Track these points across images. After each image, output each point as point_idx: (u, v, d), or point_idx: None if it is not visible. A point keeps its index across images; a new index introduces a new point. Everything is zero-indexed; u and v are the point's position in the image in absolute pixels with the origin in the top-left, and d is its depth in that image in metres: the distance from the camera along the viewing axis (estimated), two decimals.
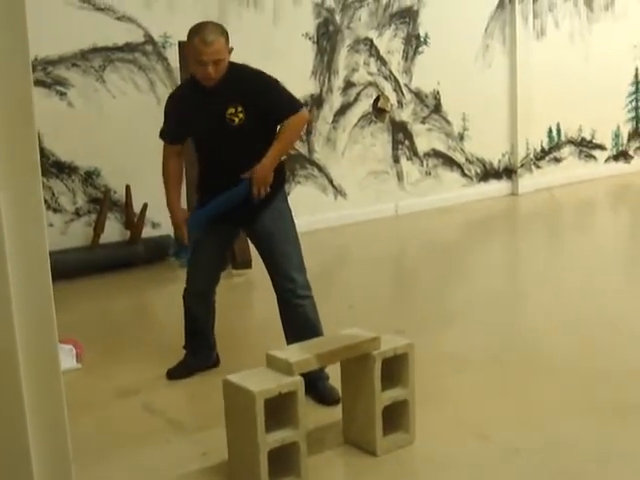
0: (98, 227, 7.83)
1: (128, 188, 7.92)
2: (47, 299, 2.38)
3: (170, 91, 8.00)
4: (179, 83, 7.82)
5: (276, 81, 4.74)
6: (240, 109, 4.57)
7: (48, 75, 7.64)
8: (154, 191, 8.09)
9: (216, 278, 5.10)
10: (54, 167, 7.75)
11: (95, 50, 7.87)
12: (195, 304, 5.07)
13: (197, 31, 4.53)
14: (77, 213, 7.92)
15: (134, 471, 4.03)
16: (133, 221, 7.96)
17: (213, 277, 5.08)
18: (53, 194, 7.77)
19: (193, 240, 4.92)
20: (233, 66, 4.66)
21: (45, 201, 7.69)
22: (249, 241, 5.33)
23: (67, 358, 5.33)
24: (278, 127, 4.71)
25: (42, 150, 7.63)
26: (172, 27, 8.13)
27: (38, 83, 7.54)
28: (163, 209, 8.06)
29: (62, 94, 7.74)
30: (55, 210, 7.80)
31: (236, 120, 4.59)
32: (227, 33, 4.60)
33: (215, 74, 4.54)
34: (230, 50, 4.61)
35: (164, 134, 4.98)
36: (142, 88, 8.14)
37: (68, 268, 7.44)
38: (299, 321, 4.74)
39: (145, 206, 7.91)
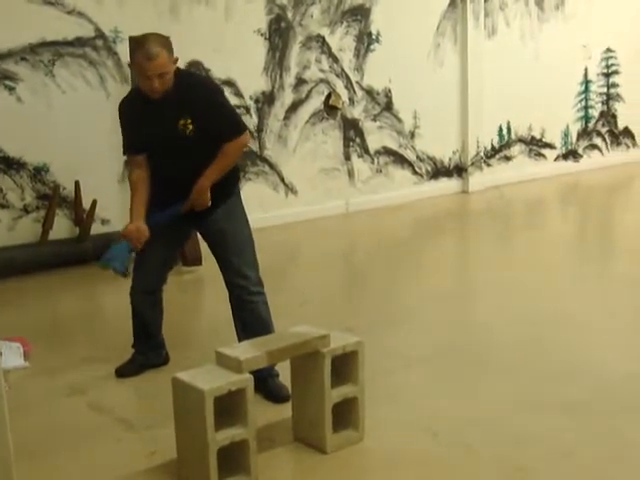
0: (47, 223, 7.75)
1: (77, 184, 7.85)
2: None
3: (120, 86, 8.03)
4: (130, 79, 7.77)
5: (222, 94, 4.81)
6: (190, 121, 4.58)
7: None
8: (103, 187, 8.08)
9: (164, 277, 5.07)
10: (2, 163, 7.65)
11: (44, 44, 7.78)
12: (142, 303, 5.04)
13: (139, 46, 4.49)
14: (25, 209, 7.83)
15: (82, 470, 3.99)
16: (82, 218, 7.89)
17: (161, 276, 5.04)
18: (1, 190, 7.67)
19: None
20: (180, 73, 4.65)
21: None
22: (199, 238, 5.31)
23: (15, 356, 5.29)
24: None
25: None
26: (123, 22, 8.07)
27: None
28: (112, 205, 8.11)
29: (11, 89, 7.65)
30: (3, 206, 7.70)
31: (187, 131, 4.58)
32: (170, 44, 4.56)
33: (161, 87, 4.52)
34: (175, 60, 4.58)
35: (126, 148, 4.88)
36: (92, 83, 8.07)
37: (16, 265, 7.37)
38: (251, 318, 4.74)
39: (94, 202, 7.84)
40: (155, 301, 5.07)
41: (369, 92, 10.31)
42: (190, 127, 4.57)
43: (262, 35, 9.27)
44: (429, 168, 11.09)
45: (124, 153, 4.93)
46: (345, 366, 4.09)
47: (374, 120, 10.41)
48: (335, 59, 9.92)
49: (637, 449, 4.04)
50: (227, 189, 4.75)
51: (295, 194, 9.77)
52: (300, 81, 9.65)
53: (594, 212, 10.67)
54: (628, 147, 13.71)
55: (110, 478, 3.90)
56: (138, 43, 4.52)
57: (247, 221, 4.83)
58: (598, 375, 4.91)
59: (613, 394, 4.65)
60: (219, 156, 4.63)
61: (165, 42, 4.53)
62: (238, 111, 8.50)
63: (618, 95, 13.39)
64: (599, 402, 4.55)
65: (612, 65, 13.20)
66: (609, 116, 13.38)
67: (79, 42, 7.97)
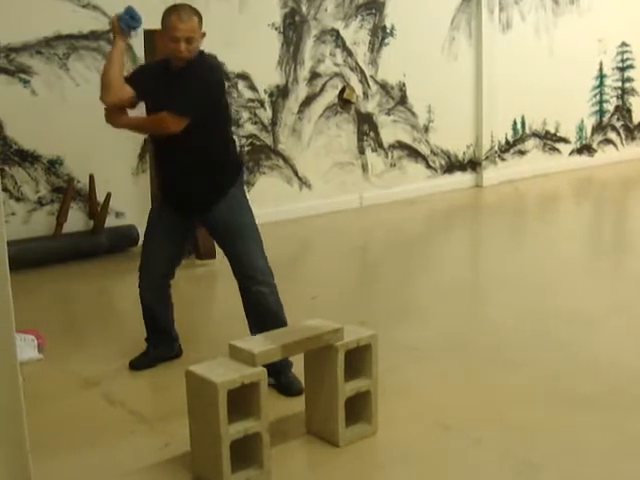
0: (61, 216, 7.77)
1: (91, 177, 7.87)
2: (3, 289, 2.35)
3: None
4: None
5: (211, 85, 4.70)
6: None
7: (11, 62, 7.56)
8: (118, 181, 8.10)
9: (170, 273, 5.02)
10: (17, 156, 7.67)
11: (59, 38, 7.80)
12: (150, 299, 5.02)
13: (174, 9, 4.64)
14: (40, 202, 7.85)
15: (95, 462, 4.00)
16: (96, 210, 7.91)
17: (167, 272, 5.00)
18: (16, 183, 7.70)
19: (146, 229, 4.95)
20: (201, 55, 4.70)
21: (8, 190, 7.64)
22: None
23: (29, 348, 5.30)
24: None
25: (5, 138, 7.58)
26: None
27: (1, 70, 7.48)
28: (126, 199, 8.12)
29: (25, 82, 7.66)
30: (18, 199, 7.73)
31: None
32: (201, 16, 4.65)
33: (186, 52, 4.57)
34: (202, 35, 4.66)
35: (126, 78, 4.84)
36: None
37: (30, 257, 7.39)
38: (261, 309, 4.71)
39: (108, 196, 7.87)
40: (163, 297, 5.05)
41: (383, 86, 10.30)
42: None
43: (276, 29, 9.27)
44: (443, 162, 11.07)
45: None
46: (358, 360, 4.09)
47: (388, 114, 10.40)
48: (349, 53, 9.91)
49: None
50: (225, 184, 4.71)
51: (309, 188, 9.77)
52: (314, 75, 9.65)
53: (608, 207, 10.64)
54: None
55: (123, 470, 3.90)
56: (172, 8, 4.67)
57: (250, 211, 4.78)
58: (609, 371, 4.91)
59: (624, 390, 4.64)
60: (150, 116, 4.73)
61: (197, 12, 4.65)
62: (252, 104, 8.60)
63: (633, 89, 13.35)
64: (610, 398, 4.54)
65: (627, 59, 13.16)
66: (624, 110, 13.35)
67: (93, 35, 7.99)
